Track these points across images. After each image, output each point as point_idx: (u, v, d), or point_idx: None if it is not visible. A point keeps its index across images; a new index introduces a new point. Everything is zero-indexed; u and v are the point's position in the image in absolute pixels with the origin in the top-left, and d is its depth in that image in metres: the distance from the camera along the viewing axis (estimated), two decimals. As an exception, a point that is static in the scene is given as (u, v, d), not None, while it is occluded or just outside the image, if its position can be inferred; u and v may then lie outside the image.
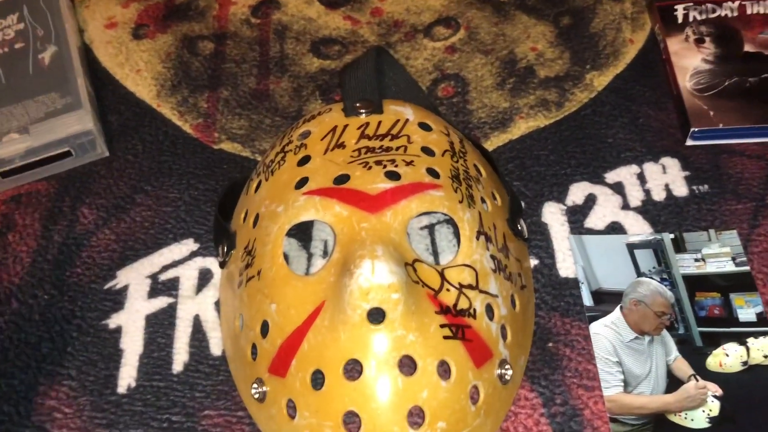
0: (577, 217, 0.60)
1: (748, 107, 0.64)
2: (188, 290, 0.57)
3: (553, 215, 0.60)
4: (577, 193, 0.61)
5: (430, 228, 0.59)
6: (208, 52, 0.74)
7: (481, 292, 0.47)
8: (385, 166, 0.50)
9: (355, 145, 0.52)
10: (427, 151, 0.52)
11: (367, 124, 0.53)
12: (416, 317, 0.44)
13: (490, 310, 0.47)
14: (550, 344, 0.53)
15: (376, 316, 0.43)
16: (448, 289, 0.46)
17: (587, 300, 0.54)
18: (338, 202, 0.48)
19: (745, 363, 0.50)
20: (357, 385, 0.43)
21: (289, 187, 0.50)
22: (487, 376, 0.46)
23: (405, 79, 0.61)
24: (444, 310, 0.45)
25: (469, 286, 0.47)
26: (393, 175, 0.49)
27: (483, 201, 0.51)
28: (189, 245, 0.59)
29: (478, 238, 0.49)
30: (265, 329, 0.47)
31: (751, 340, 0.51)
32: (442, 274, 0.47)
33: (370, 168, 0.49)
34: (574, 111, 0.67)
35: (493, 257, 0.49)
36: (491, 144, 0.65)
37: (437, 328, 0.44)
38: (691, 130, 0.63)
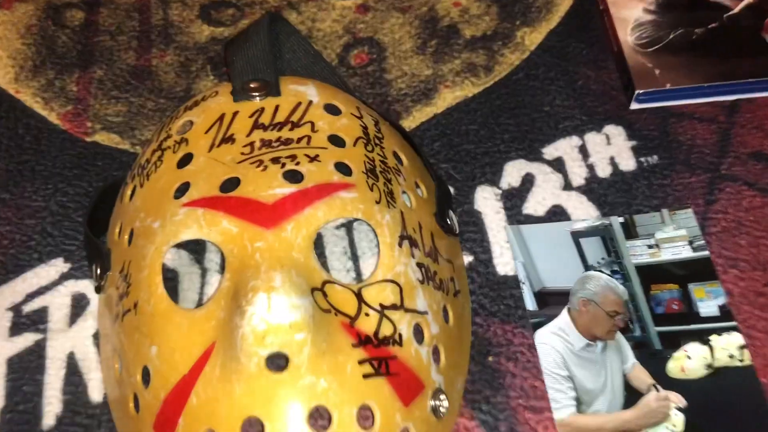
0: (514, 201, 0.52)
1: (696, 63, 0.57)
2: (59, 322, 0.47)
3: (486, 201, 0.52)
4: (513, 173, 0.53)
5: (348, 226, 0.51)
6: (78, 22, 0.63)
7: (407, 311, 0.40)
8: (283, 165, 0.41)
9: (247, 138, 0.43)
10: (336, 140, 0.43)
11: (262, 110, 0.44)
12: (328, 357, 0.36)
13: (418, 332, 0.40)
14: (491, 358, 0.46)
15: (278, 362, 0.35)
16: (367, 314, 0.38)
17: (530, 303, 0.47)
18: (226, 216, 0.39)
19: (709, 366, 0.44)
20: (259, 448, 0.35)
21: (167, 196, 0.41)
22: (419, 413, 0.39)
23: (305, 51, 0.52)
24: (363, 341, 0.38)
25: (393, 307, 0.39)
26: (294, 176, 0.41)
27: (405, 196, 0.43)
28: (58, 266, 0.49)
29: (401, 245, 0.41)
30: (146, 377, 0.39)
31: (714, 338, 0.45)
32: (359, 296, 0.39)
33: (265, 168, 0.41)
34: (504, 76, 0.59)
35: (420, 265, 0.42)
36: (414, 120, 0.56)
37: (355, 366, 0.37)
38: (636, 92, 0.56)
